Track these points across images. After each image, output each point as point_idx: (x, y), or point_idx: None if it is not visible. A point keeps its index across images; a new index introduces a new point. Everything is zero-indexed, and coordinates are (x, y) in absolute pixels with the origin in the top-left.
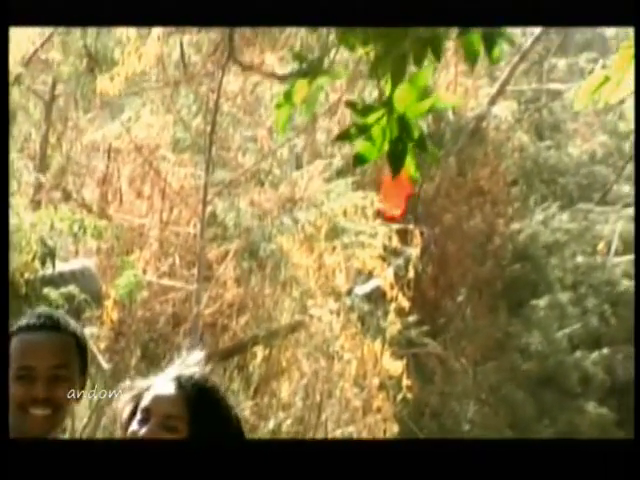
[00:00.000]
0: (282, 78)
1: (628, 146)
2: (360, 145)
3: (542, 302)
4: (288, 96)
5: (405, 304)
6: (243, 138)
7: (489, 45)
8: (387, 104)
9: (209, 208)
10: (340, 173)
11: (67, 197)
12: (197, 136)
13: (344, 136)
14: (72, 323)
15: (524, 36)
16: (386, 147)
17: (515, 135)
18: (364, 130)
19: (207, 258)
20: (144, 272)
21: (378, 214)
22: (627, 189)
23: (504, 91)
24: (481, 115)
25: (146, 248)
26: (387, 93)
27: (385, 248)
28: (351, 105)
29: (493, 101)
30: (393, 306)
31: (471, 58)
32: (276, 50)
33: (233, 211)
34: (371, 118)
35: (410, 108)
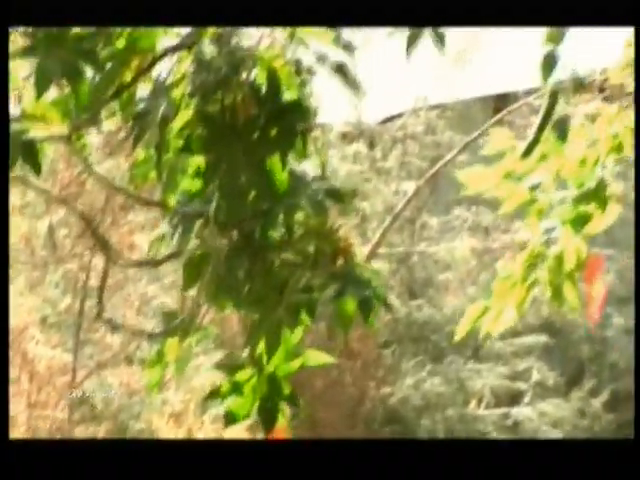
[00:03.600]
0: (152, 336)
1: None
2: (230, 404)
3: None
4: (159, 357)
5: None
6: (113, 318)
7: (365, 311)
8: (257, 363)
9: (78, 389)
10: (212, 346)
11: None
12: (66, 316)
13: (214, 395)
14: None
15: (396, 195)
16: (257, 405)
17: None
18: (234, 389)
19: None
20: None
21: None
22: (499, 344)
23: (376, 253)
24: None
25: (14, 433)
26: (257, 352)
27: None
28: (220, 365)
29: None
30: None
31: (344, 324)
32: (145, 231)
33: (102, 391)
34: (241, 377)
35: (280, 367)
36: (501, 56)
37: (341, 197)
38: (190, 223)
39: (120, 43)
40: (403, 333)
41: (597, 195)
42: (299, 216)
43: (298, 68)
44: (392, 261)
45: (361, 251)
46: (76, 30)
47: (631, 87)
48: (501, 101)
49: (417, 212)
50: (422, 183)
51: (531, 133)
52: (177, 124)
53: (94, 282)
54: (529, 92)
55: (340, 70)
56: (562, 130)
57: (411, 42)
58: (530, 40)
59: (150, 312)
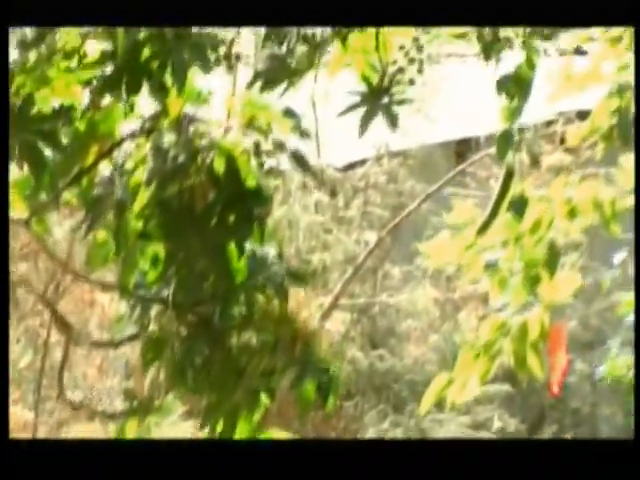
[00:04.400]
0: (112, 417)
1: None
2: None
3: None
4: (120, 434)
5: None
6: (73, 377)
7: (324, 396)
8: None
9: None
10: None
11: None
12: (27, 372)
13: None
14: None
15: (358, 244)
16: None
17: (348, 349)
18: None
19: None
20: None
21: None
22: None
23: (337, 304)
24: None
25: None
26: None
27: None
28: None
29: (326, 315)
30: None
31: (304, 407)
32: (107, 289)
33: None
34: None
35: None
36: (460, 101)
37: (301, 279)
38: (148, 306)
39: (81, 125)
40: (365, 384)
41: (547, 260)
42: (259, 298)
43: (256, 151)
44: (354, 311)
45: (322, 302)
46: (37, 110)
47: (597, 147)
48: (462, 146)
49: (379, 262)
50: (384, 234)
51: (487, 211)
52: (136, 207)
53: (55, 339)
54: (490, 137)
55: (298, 159)
56: (518, 210)
57: (364, 123)
58: (489, 85)
59: (112, 369)
